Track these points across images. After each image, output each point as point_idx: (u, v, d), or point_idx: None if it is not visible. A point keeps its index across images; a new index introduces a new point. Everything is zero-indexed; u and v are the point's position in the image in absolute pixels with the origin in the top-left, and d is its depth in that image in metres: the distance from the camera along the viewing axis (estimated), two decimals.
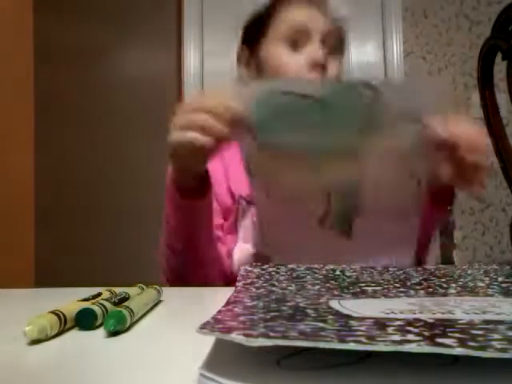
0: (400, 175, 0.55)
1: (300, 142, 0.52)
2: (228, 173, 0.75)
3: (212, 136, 0.53)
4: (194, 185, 0.60)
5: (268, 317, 0.23)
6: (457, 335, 0.18)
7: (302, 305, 0.26)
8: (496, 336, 0.18)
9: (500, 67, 1.19)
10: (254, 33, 0.78)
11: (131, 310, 0.31)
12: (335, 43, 0.76)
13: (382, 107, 0.52)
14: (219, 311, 0.23)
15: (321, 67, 0.72)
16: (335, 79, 0.74)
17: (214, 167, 0.66)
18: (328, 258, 0.46)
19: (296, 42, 0.74)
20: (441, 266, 0.43)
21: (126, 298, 0.36)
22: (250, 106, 0.52)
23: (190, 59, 2.37)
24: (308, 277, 0.38)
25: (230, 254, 0.69)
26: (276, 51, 0.75)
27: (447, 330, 0.19)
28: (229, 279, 0.67)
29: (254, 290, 0.32)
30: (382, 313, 0.24)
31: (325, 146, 0.53)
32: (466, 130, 0.56)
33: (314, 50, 0.73)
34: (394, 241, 0.57)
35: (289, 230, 0.57)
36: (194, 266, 0.65)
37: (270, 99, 0.52)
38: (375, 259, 0.54)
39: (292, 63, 0.73)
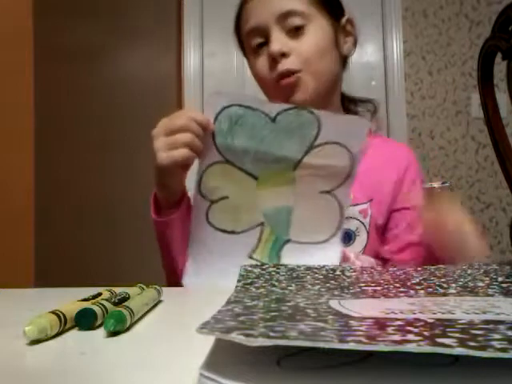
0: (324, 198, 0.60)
1: (251, 149, 0.59)
2: None
3: (195, 151, 0.58)
4: (175, 198, 0.63)
5: (268, 317, 0.23)
6: (457, 335, 0.18)
7: (301, 305, 0.26)
8: (496, 336, 0.18)
9: (500, 67, 1.19)
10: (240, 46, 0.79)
11: (131, 310, 0.31)
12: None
13: (319, 133, 0.59)
14: (219, 311, 0.23)
15: (279, 58, 0.68)
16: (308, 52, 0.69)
17: None
18: None
19: (261, 43, 0.71)
20: (441, 266, 0.43)
21: (126, 298, 0.36)
22: (214, 114, 0.59)
23: (190, 59, 2.37)
24: (308, 277, 0.38)
25: None
26: (249, 62, 0.76)
27: (447, 329, 0.19)
28: None
29: (253, 290, 0.32)
30: (382, 313, 0.24)
31: (270, 158, 0.59)
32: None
33: (270, 45, 0.69)
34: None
35: (218, 256, 0.60)
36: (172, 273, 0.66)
37: (232, 109, 0.59)
38: None
39: (258, 70, 0.72)
